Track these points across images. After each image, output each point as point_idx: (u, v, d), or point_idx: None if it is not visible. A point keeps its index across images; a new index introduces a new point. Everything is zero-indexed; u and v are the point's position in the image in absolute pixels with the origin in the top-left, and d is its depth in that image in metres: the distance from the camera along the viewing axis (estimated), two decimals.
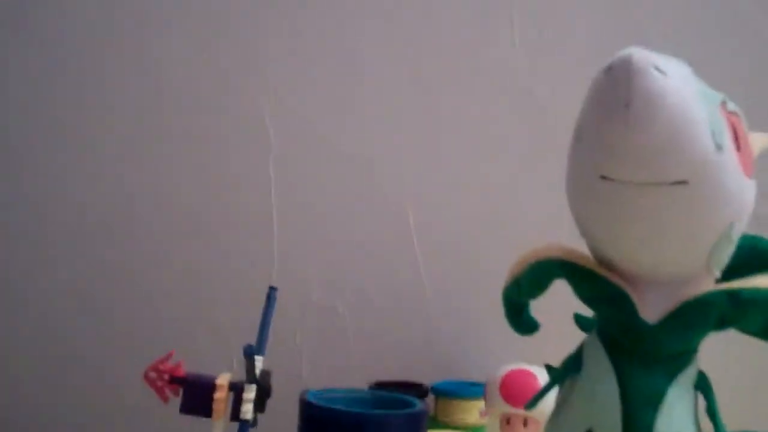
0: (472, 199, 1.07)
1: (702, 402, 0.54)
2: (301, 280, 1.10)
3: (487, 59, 1.06)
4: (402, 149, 1.09)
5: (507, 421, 0.88)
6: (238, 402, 0.69)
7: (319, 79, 1.11)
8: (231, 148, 1.13)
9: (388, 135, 1.09)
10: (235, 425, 0.69)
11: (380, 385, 0.98)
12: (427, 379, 1.00)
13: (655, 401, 0.51)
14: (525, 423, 0.86)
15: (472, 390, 0.96)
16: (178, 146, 1.14)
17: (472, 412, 0.96)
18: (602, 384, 0.53)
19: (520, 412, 0.85)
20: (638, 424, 0.51)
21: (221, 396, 0.69)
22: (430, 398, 0.98)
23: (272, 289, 0.77)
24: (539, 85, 1.05)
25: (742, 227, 0.51)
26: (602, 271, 0.53)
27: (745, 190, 0.49)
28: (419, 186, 1.08)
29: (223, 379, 0.70)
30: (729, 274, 0.54)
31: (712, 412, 0.53)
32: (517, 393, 0.85)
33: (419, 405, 0.79)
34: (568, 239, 0.56)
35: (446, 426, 0.95)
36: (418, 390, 0.97)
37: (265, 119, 1.12)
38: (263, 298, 0.83)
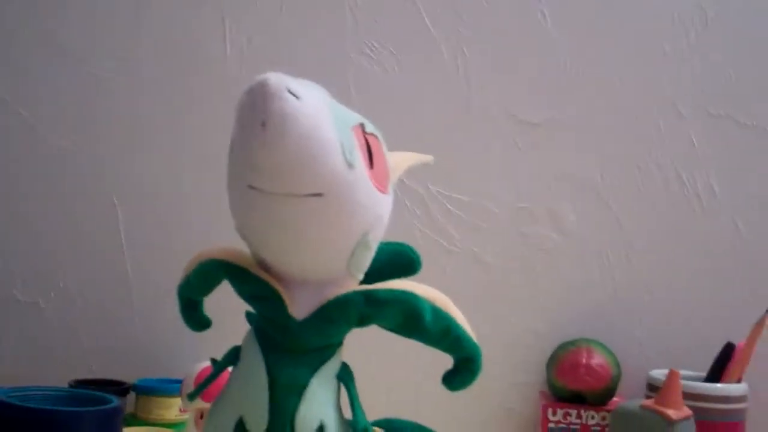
0: (182, 196, 1.09)
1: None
2: (3, 274, 1.07)
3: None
4: (108, 143, 1.09)
5: (201, 415, 0.91)
6: None
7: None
8: None
9: (95, 128, 1.09)
10: None
11: (80, 383, 0.97)
12: (132, 377, 1.01)
13: (298, 390, 0.57)
14: None
15: (171, 387, 0.98)
16: None
17: (172, 408, 0.98)
18: (253, 374, 0.57)
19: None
20: (283, 411, 0.56)
21: None
22: (132, 396, 0.99)
23: None
24: None
25: (378, 235, 0.58)
26: (258, 272, 0.58)
27: (379, 203, 0.56)
28: (128, 182, 1.09)
29: None
30: (374, 277, 0.61)
31: (351, 399, 0.59)
32: (209, 388, 0.89)
33: (114, 402, 0.80)
34: None
35: (146, 423, 0.97)
36: (118, 388, 0.97)
37: None
38: None
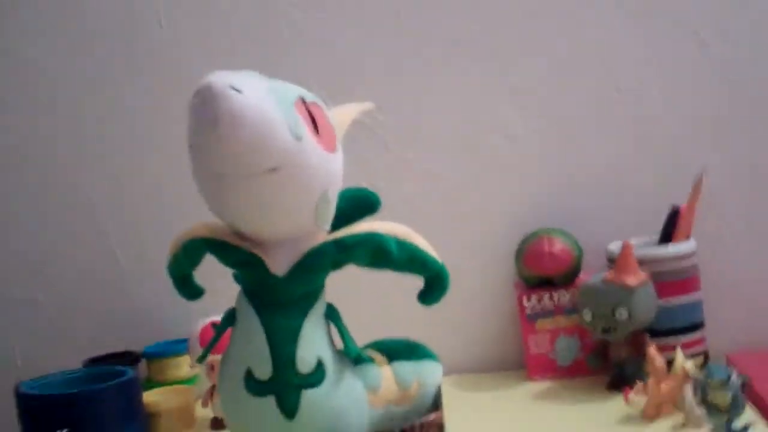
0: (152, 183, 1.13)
1: None
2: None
3: None
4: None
5: (212, 367, 0.99)
6: None
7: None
8: None
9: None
10: None
11: (94, 361, 1.03)
12: (139, 346, 1.08)
13: (293, 335, 0.65)
14: None
15: (178, 347, 1.05)
16: None
17: (182, 366, 1.05)
18: (251, 330, 0.66)
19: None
20: (283, 356, 0.65)
21: None
22: (144, 362, 1.06)
23: None
24: None
25: (336, 189, 0.66)
26: (236, 241, 0.65)
27: (330, 162, 0.63)
28: (105, 178, 1.13)
29: None
30: (342, 221, 0.68)
31: (340, 332, 0.68)
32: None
33: (129, 373, 0.87)
34: None
35: (161, 384, 1.03)
36: (130, 358, 1.04)
37: None
38: None
